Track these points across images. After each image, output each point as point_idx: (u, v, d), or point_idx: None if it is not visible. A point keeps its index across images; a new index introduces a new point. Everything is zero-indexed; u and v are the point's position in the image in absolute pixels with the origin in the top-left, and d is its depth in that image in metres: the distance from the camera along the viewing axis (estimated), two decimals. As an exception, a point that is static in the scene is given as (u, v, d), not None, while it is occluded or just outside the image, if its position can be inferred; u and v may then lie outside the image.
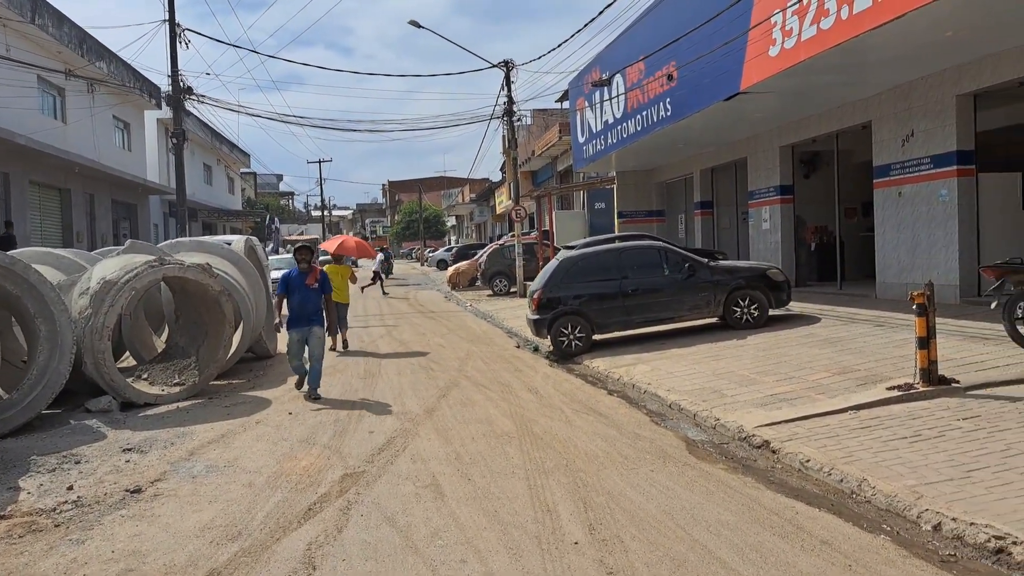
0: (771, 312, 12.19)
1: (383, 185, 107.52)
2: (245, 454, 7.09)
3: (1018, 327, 7.95)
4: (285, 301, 9.62)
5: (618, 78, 18.53)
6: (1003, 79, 10.91)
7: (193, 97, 25.31)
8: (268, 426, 8.24)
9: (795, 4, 10.90)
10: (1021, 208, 12.00)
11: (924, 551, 4.41)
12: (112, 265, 9.96)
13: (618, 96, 18.90)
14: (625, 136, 18.93)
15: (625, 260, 12.50)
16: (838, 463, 5.78)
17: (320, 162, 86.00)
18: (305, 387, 9.73)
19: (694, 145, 19.69)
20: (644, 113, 17.36)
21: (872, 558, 4.33)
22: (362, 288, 26.08)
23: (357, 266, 32.70)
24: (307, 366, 9.70)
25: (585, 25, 17.62)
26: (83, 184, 25.31)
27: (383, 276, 30.36)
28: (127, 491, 6.01)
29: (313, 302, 9.64)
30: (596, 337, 12.37)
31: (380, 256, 29.40)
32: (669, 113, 15.95)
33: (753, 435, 6.82)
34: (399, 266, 55.94)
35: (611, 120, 19.84)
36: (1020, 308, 7.88)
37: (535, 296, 12.38)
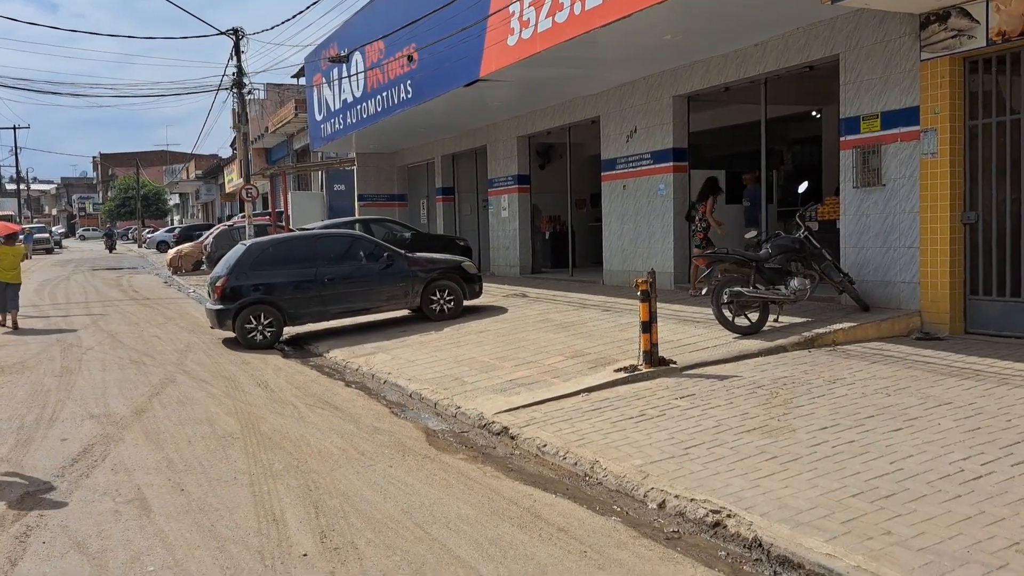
0: (465, 303, 12.50)
1: (94, 158, 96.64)
2: None
3: (724, 311, 8.70)
4: None
5: (357, 56, 17.93)
6: (712, 84, 11.95)
7: None
8: (-73, 439, 6.80)
9: (533, -5, 11.11)
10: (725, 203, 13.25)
11: (651, 529, 4.54)
12: None
13: (357, 74, 18.30)
14: (365, 116, 18.40)
15: (321, 249, 12.17)
16: (572, 446, 5.87)
17: (15, 128, 74.82)
18: None
19: (436, 130, 19.67)
20: (385, 94, 16.96)
21: (605, 541, 4.37)
22: None
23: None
24: None
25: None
26: None
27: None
28: None
29: None
30: (289, 329, 11.97)
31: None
32: (410, 95, 15.70)
33: (493, 422, 6.77)
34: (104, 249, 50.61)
35: (350, 99, 19.19)
36: (726, 294, 8.62)
37: (217, 285, 11.51)
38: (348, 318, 12.32)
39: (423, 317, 12.15)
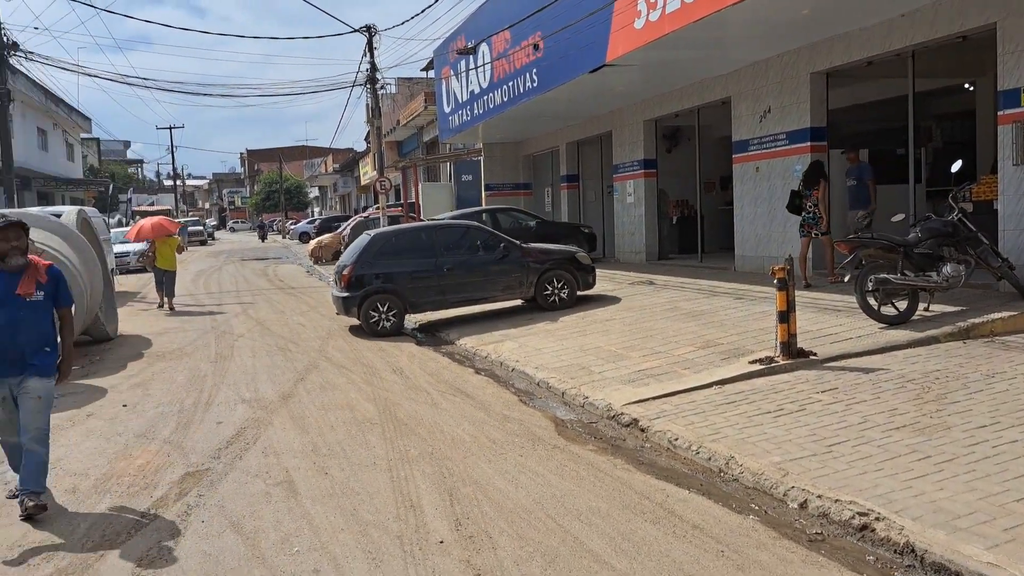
0: (579, 293, 12.41)
1: (241, 154, 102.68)
2: (71, 454, 6.33)
3: (868, 299, 8.24)
4: None
5: (484, 47, 18.13)
6: (853, 59, 11.31)
7: (20, 54, 22.96)
8: (101, 419, 7.44)
9: (660, -24, 10.86)
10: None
11: (792, 531, 4.38)
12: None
13: (484, 65, 18.51)
14: (492, 107, 18.60)
15: (440, 239, 12.43)
16: (706, 440, 5.73)
17: (171, 128, 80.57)
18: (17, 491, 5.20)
19: (561, 118, 19.63)
20: (511, 83, 17.08)
21: (743, 541, 4.25)
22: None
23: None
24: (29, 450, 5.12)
25: (450, -8, 17.15)
26: None
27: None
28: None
29: (31, 326, 5.00)
30: (417, 317, 12.31)
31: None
32: (536, 84, 15.73)
33: (622, 413, 6.72)
34: (253, 240, 53.63)
35: (477, 90, 19.45)
36: (871, 281, 8.16)
37: (344, 273, 11.94)
38: (465, 307, 12.53)
39: (537, 307, 12.19)
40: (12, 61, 23.16)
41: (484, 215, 18.41)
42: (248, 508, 4.96)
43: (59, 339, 5.28)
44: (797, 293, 7.72)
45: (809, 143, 12.25)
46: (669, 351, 8.53)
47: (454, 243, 12.37)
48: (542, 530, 4.47)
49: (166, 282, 16.09)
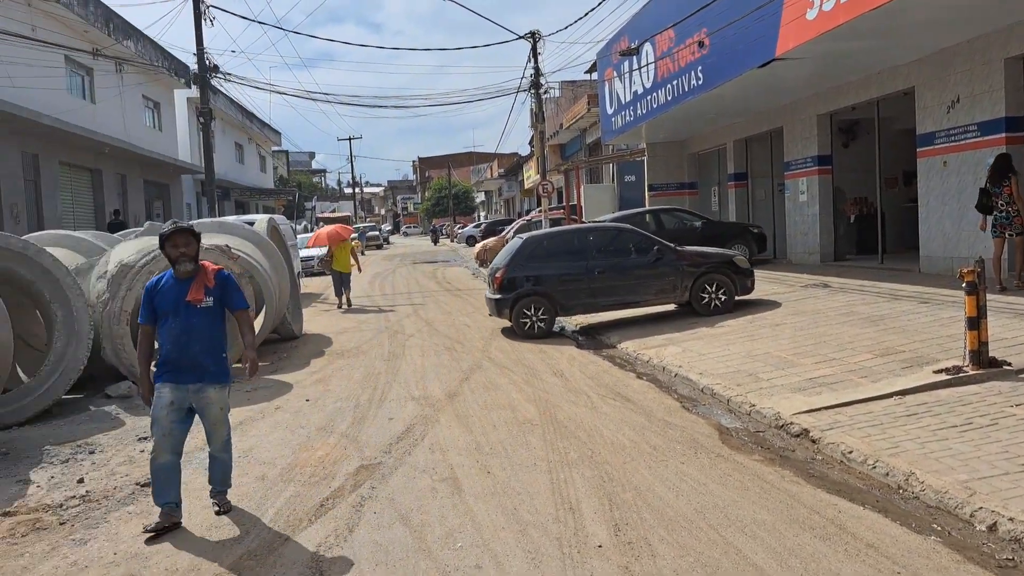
0: (737, 298, 11.94)
1: (413, 162, 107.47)
2: (261, 443, 6.88)
3: (1076, 305, 7.44)
4: (152, 333, 5.14)
5: (647, 47, 17.95)
6: (1058, 39, 10.25)
7: (220, 75, 25.18)
8: (287, 412, 8.04)
9: (834, -37, 10.31)
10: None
11: (979, 555, 4.04)
12: (130, 248, 9.80)
13: (647, 65, 18.32)
14: (655, 106, 18.38)
15: (591, 242, 12.34)
16: (883, 455, 5.40)
17: (350, 139, 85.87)
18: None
19: (727, 115, 19.07)
20: (675, 82, 16.80)
21: (922, 564, 3.97)
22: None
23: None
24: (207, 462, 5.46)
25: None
26: (114, 165, 25.36)
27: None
28: (137, 484, 5.83)
29: (203, 333, 5.00)
30: (579, 319, 12.34)
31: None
32: (701, 82, 15.39)
33: (791, 423, 6.45)
34: (427, 243, 55.83)
35: (640, 90, 19.27)
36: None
37: (497, 275, 12.13)
38: (616, 310, 12.44)
39: (692, 312, 11.90)
40: (213, 82, 25.44)
41: (647, 216, 18.22)
42: (416, 502, 5.20)
43: (241, 340, 5.34)
44: (990, 297, 7.09)
45: (1004, 134, 11.21)
46: (844, 358, 8.08)
47: (606, 246, 12.31)
48: (703, 540, 4.38)
49: (343, 282, 17.61)
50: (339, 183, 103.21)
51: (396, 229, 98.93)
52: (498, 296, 12.08)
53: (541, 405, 7.70)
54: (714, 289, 11.83)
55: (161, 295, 5.01)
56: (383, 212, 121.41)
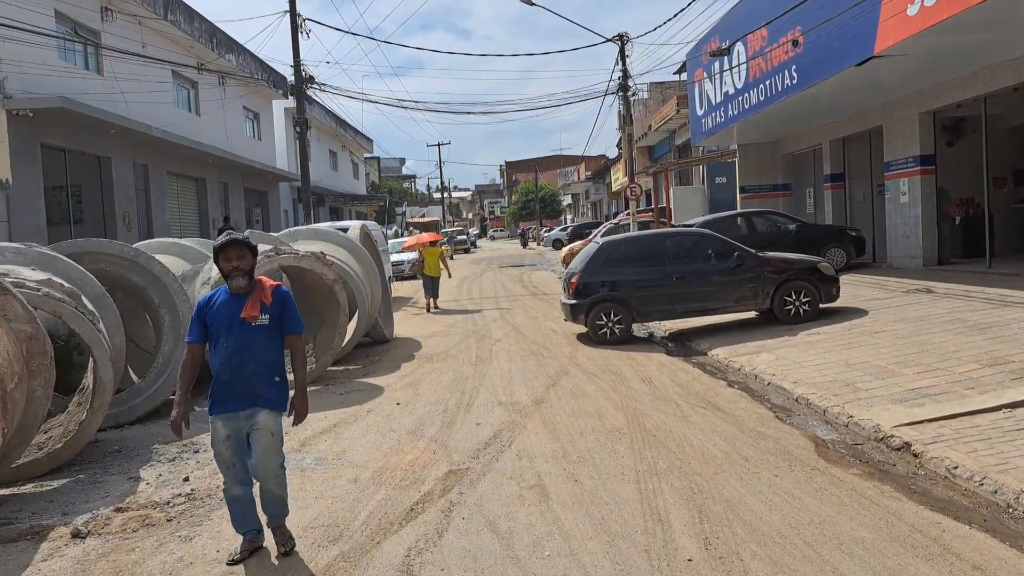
0: (822, 306, 11.56)
1: (501, 166, 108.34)
2: (354, 446, 7.07)
3: None
4: (198, 353, 4.75)
5: (739, 46, 17.58)
6: None
7: (315, 86, 26.00)
8: (378, 416, 8.24)
9: (938, -45, 9.88)
10: None
11: (1100, 584, 3.80)
12: (232, 255, 10.21)
13: (739, 65, 17.94)
14: (747, 107, 17.97)
15: (670, 247, 12.16)
16: (991, 471, 5.13)
17: (439, 145, 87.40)
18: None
19: (822, 114, 18.47)
20: (767, 82, 16.39)
21: (1036, 591, 3.76)
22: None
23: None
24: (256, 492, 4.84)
25: (703, -8, 16.96)
26: (217, 173, 26.54)
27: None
28: (238, 484, 6.08)
29: (258, 353, 4.62)
30: (667, 325, 12.25)
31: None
32: (795, 81, 14.96)
33: (891, 436, 6.20)
34: (513, 247, 56.13)
35: (731, 91, 18.88)
36: None
37: (572, 280, 12.07)
38: (694, 317, 12.24)
39: (774, 319, 11.60)
40: (309, 93, 26.30)
41: (738, 219, 17.83)
42: (503, 509, 5.25)
43: (293, 372, 4.78)
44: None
45: None
46: (949, 368, 7.72)
47: (684, 251, 12.14)
48: (798, 557, 4.26)
49: (432, 285, 18.49)
50: (428, 188, 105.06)
51: (483, 233, 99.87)
52: (573, 301, 12.06)
53: (629, 413, 7.64)
54: (799, 297, 11.49)
55: (213, 312, 4.61)
56: (470, 216, 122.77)
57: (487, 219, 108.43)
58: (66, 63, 18.09)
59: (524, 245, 57.85)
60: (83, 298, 7.33)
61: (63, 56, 18.12)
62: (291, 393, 4.79)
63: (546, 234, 54.63)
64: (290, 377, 4.83)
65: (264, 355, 4.61)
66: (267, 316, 4.59)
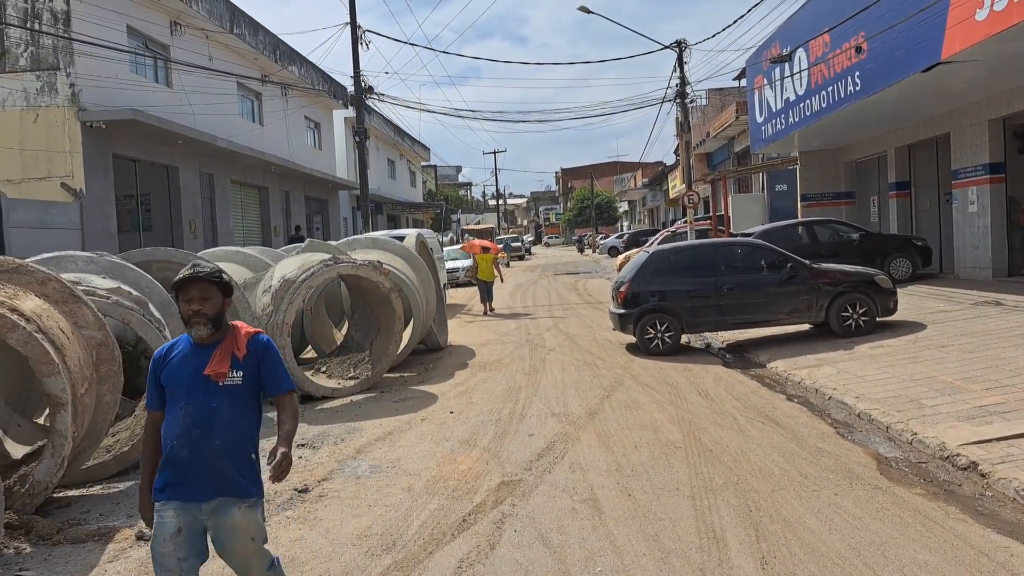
0: (878, 319, 11.27)
1: (556, 173, 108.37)
2: (408, 455, 7.14)
3: None
4: (160, 421, 3.53)
5: (800, 52, 17.28)
6: None
7: (374, 96, 26.42)
8: (432, 424, 8.30)
9: (1010, -43, 9.57)
10: None
11: None
12: (291, 264, 10.45)
13: (800, 72, 17.63)
14: (808, 114, 17.65)
15: (721, 257, 11.98)
16: (1065, 496, 4.93)
17: (495, 153, 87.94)
18: None
19: (887, 121, 18.01)
20: (829, 89, 16.07)
21: (1113, 624, 3.59)
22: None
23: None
24: None
25: (763, -2, 16.69)
26: (279, 182, 27.16)
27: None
28: (295, 490, 6.20)
29: (227, 422, 3.41)
30: (725, 335, 12.08)
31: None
32: (858, 88, 14.64)
33: (957, 454, 6.00)
34: (568, 254, 56.02)
35: (792, 97, 18.57)
36: None
37: (621, 290, 11.94)
38: (745, 329, 12.04)
39: (830, 332, 11.33)
40: (368, 102, 26.73)
41: (799, 228, 17.52)
42: (555, 523, 5.23)
43: (277, 428, 3.47)
44: None
45: None
46: (1019, 385, 7.45)
47: (735, 261, 11.98)
48: (857, 580, 4.16)
49: (487, 290, 19.46)
50: (483, 195, 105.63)
51: (538, 240, 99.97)
52: (622, 311, 11.97)
53: (685, 426, 7.55)
54: (855, 310, 11.21)
55: (171, 367, 3.46)
56: (525, 223, 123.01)
57: (542, 226, 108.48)
58: (137, 76, 18.74)
59: (581, 251, 59.15)
60: (150, 305, 7.58)
61: (134, 69, 18.78)
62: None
63: (602, 241, 54.44)
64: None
65: (235, 425, 3.40)
66: (239, 373, 3.40)
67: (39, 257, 7.71)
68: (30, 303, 6.13)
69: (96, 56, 16.39)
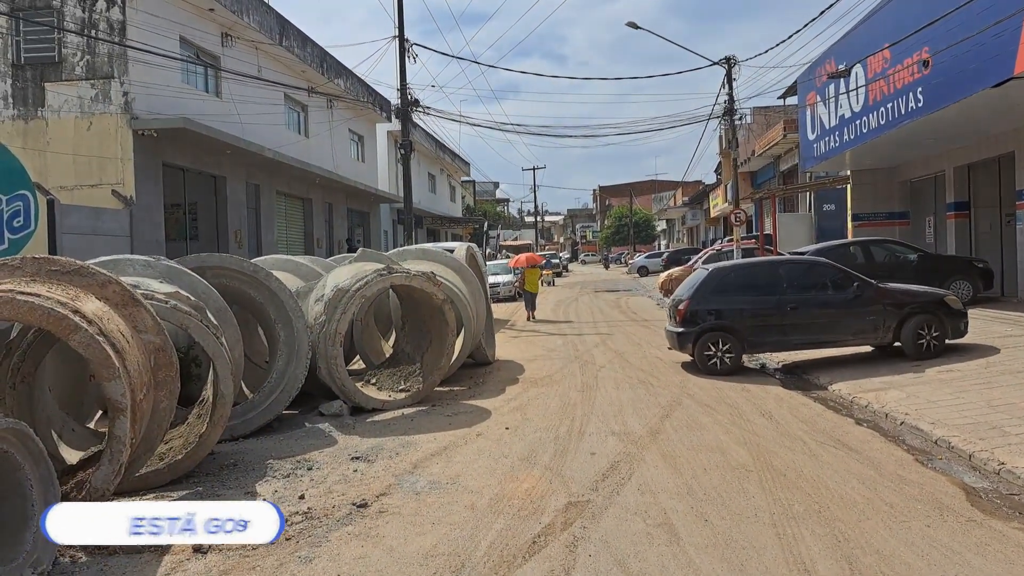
0: (948, 342, 10.89)
1: (594, 190, 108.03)
2: (467, 471, 6.91)
3: None
4: None
5: (858, 68, 16.89)
6: None
7: (419, 109, 26.43)
8: (488, 440, 8.07)
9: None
10: None
11: None
12: (344, 273, 10.33)
13: (857, 88, 17.23)
14: (865, 131, 17.22)
15: (783, 275, 11.68)
16: None
17: (534, 169, 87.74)
18: None
19: (946, 139, 17.51)
20: (888, 105, 15.65)
21: None
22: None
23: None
24: None
25: (821, 13, 16.55)
26: (322, 194, 27.29)
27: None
28: (354, 505, 6.00)
29: None
30: (781, 356, 11.80)
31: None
32: (920, 104, 14.22)
33: (1054, 488, 5.63)
34: (601, 273, 55.62)
35: (848, 114, 18.15)
36: None
37: (680, 308, 11.58)
38: (809, 349, 11.66)
39: (893, 353, 10.97)
40: (413, 117, 26.77)
41: (852, 248, 17.06)
42: (632, 548, 4.96)
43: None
44: None
45: None
46: (1113, 416, 7.02)
47: (798, 280, 11.61)
48: (969, 622, 3.84)
49: (531, 301, 21.79)
50: (520, 211, 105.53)
51: (574, 257, 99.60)
52: (680, 329, 11.65)
53: (753, 449, 7.23)
54: (928, 331, 10.81)
55: None
56: (562, 240, 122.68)
57: (578, 243, 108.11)
58: (187, 86, 18.94)
59: (606, 267, 63.59)
60: (207, 311, 7.48)
61: (185, 79, 18.98)
62: None
63: (631, 261, 53.68)
64: None
65: None
66: None
67: (97, 260, 7.67)
68: (91, 305, 6.04)
69: (150, 63, 16.58)
